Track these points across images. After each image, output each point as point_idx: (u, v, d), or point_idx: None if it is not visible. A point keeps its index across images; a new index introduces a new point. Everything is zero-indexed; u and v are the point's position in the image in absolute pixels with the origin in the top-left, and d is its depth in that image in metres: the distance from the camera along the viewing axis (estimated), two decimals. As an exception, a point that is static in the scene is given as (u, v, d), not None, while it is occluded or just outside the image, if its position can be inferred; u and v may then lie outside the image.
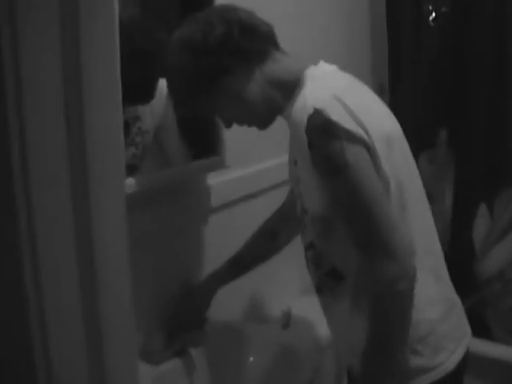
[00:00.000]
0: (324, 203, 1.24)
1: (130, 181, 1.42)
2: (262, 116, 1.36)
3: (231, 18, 1.29)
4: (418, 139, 2.42)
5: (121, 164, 0.99)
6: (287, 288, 1.58)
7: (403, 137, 1.35)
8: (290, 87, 1.29)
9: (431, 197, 2.52)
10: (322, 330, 2.08)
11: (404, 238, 1.18)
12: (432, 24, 2.42)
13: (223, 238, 1.89)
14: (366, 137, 1.17)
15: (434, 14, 2.59)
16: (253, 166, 1.98)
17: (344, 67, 1.37)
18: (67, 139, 0.86)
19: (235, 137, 1.68)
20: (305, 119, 1.17)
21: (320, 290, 1.41)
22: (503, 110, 2.47)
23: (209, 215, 1.83)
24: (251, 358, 1.64)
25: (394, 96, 2.56)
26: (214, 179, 1.81)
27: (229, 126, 1.41)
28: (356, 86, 1.35)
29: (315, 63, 1.33)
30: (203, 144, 1.69)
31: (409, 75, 2.58)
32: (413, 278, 1.17)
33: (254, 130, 1.81)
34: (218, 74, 1.29)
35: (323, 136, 1.15)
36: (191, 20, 1.32)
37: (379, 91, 2.49)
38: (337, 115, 1.16)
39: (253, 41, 1.29)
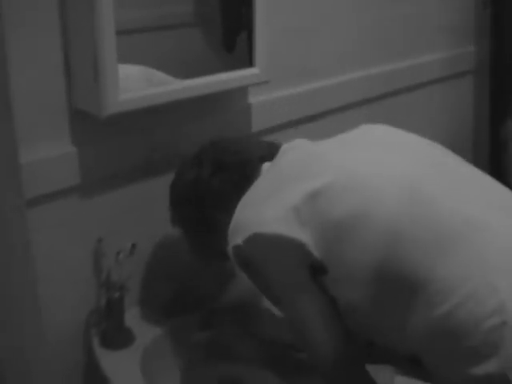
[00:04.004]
0: None
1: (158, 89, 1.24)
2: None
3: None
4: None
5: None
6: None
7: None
8: None
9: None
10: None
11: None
12: None
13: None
14: None
15: None
16: (304, 84, 1.66)
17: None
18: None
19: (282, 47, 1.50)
20: None
21: None
22: None
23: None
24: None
25: (497, 10, 2.21)
26: (254, 98, 1.54)
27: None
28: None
29: None
30: (238, 53, 1.40)
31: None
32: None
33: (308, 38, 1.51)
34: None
35: None
36: None
37: (482, 5, 2.25)
38: None
39: None
